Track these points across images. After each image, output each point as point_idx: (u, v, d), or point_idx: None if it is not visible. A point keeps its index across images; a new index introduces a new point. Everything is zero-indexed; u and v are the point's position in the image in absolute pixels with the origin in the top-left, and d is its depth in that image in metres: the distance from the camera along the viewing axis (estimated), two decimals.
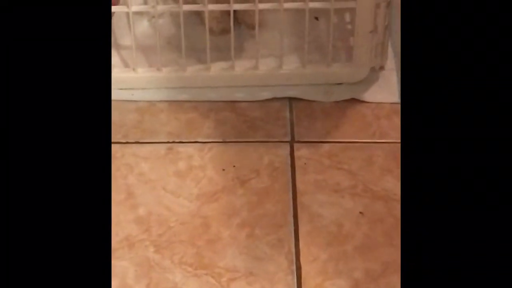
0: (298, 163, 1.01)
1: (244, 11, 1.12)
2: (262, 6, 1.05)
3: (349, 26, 1.18)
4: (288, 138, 1.04)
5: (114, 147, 1.03)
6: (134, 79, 1.10)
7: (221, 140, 1.04)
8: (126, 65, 1.12)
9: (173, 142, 1.04)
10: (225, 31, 1.12)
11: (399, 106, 1.08)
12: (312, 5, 1.04)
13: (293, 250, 0.91)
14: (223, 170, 1.00)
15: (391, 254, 0.90)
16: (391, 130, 1.05)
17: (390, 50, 1.13)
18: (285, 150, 1.02)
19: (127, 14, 1.09)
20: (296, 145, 1.03)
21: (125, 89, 1.10)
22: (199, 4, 1.08)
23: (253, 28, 1.10)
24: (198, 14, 1.15)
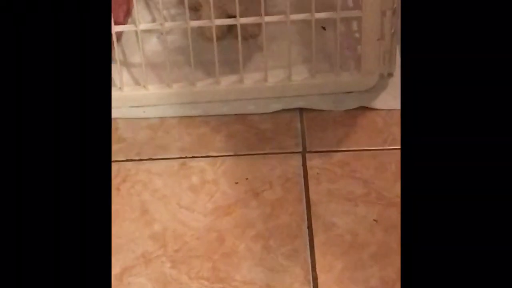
0: (310, 173, 1.01)
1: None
2: (268, 18, 1.05)
3: (356, 35, 1.18)
4: (300, 149, 1.05)
5: (128, 165, 1.04)
6: (145, 96, 1.11)
7: (233, 154, 1.04)
8: (136, 82, 1.14)
9: (186, 157, 1.04)
10: (222, 37, 1.12)
11: None
12: (318, 15, 1.05)
13: (309, 260, 0.91)
14: (236, 183, 1.00)
15: None
16: None
17: (398, 57, 1.13)
18: (297, 160, 1.03)
19: (136, 32, 1.10)
20: (308, 155, 1.04)
21: (137, 106, 1.11)
22: (203, 19, 1.10)
23: (253, 37, 1.11)
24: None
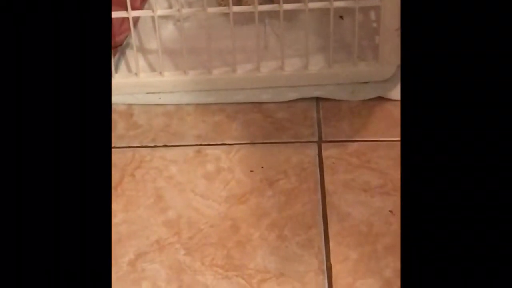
0: (326, 163, 1.00)
1: None
2: (286, 6, 1.05)
3: (374, 25, 1.17)
4: (316, 138, 1.04)
5: (142, 151, 1.03)
6: (161, 82, 1.10)
7: (248, 142, 1.04)
8: (152, 69, 1.13)
9: (201, 144, 1.04)
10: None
11: None
12: (336, 4, 1.04)
13: (323, 250, 0.91)
14: (251, 171, 1.00)
15: None
16: None
17: None
18: (313, 150, 1.02)
19: (153, 18, 1.09)
20: (324, 145, 1.03)
21: (153, 93, 1.11)
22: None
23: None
24: None
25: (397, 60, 1.09)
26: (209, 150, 1.03)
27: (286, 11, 1.05)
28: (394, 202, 0.95)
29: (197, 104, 1.10)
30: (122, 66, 1.14)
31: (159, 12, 1.06)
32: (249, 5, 1.07)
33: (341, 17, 1.18)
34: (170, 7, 1.22)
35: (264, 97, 1.10)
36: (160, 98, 1.10)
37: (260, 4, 1.05)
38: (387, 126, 1.05)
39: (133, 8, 1.05)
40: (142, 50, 1.16)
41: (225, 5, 1.10)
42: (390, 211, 0.94)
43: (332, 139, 1.04)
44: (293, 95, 1.09)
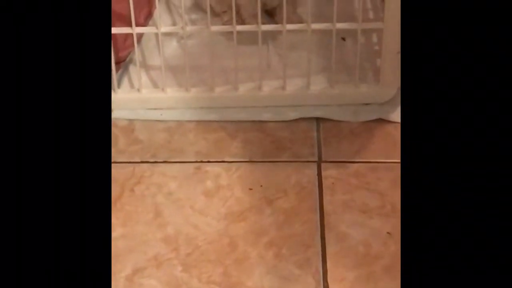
0: (325, 183, 1.01)
1: (280, 9, 1.13)
2: (290, 27, 1.06)
3: (376, 47, 1.18)
4: (316, 158, 1.04)
5: (143, 167, 1.04)
6: (163, 99, 1.11)
7: (248, 160, 1.04)
8: (155, 85, 1.14)
9: (201, 161, 1.04)
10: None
11: None
12: (339, 25, 1.05)
13: (321, 270, 0.91)
14: (251, 189, 1.00)
15: None
16: None
17: None
18: (312, 170, 1.03)
19: (156, 35, 1.10)
20: (323, 165, 1.03)
21: (154, 109, 1.11)
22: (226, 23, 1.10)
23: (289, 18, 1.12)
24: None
25: (398, 83, 1.09)
26: (209, 167, 1.03)
27: (289, 31, 1.06)
28: (392, 224, 0.95)
29: (198, 121, 1.10)
30: (125, 82, 1.15)
31: (163, 29, 1.07)
32: (252, 24, 1.08)
33: (343, 38, 1.19)
34: (174, 24, 1.23)
35: (265, 116, 1.10)
36: (161, 114, 1.11)
37: (263, 23, 1.06)
38: (387, 148, 1.06)
39: (137, 25, 1.06)
40: (145, 66, 1.17)
41: (229, 24, 1.11)
42: (388, 233, 0.94)
43: (332, 160, 1.04)
44: (294, 114, 1.10)
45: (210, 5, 1.05)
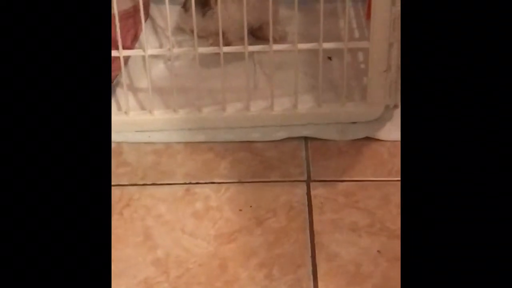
0: (314, 202, 1.01)
1: (266, 27, 1.14)
2: (276, 47, 1.06)
3: (362, 66, 1.19)
4: (304, 178, 1.05)
5: (131, 189, 1.03)
6: (150, 121, 1.11)
7: (237, 181, 1.04)
8: (142, 107, 1.14)
9: (190, 183, 1.04)
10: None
11: None
12: (325, 45, 1.06)
13: None
14: (240, 210, 1.00)
15: None
16: None
17: None
18: (301, 189, 1.03)
19: (143, 57, 1.10)
20: (312, 184, 1.03)
21: (142, 131, 1.11)
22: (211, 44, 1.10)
23: (282, 39, 1.13)
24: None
25: (385, 101, 1.10)
26: (198, 189, 1.03)
27: (275, 52, 1.06)
28: (382, 242, 0.95)
29: (186, 143, 1.10)
30: (112, 105, 1.14)
31: (150, 51, 1.07)
32: (239, 45, 1.08)
33: (329, 58, 1.19)
34: (161, 46, 1.24)
35: (253, 136, 1.10)
36: (149, 137, 1.11)
37: (250, 44, 1.06)
38: (374, 166, 1.06)
39: (124, 47, 1.06)
40: (132, 88, 1.17)
41: (215, 45, 1.11)
42: (378, 251, 0.95)
43: (321, 179, 1.04)
44: (282, 134, 1.10)
45: (193, 30, 1.06)
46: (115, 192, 1.03)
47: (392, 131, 1.10)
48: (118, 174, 1.06)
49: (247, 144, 1.10)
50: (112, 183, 1.04)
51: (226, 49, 1.07)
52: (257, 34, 1.23)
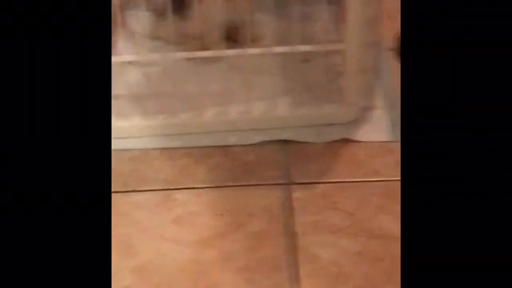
0: (294, 205, 1.01)
1: (242, 29, 1.13)
2: (252, 51, 1.06)
3: (338, 68, 1.19)
4: (283, 181, 1.05)
5: None
6: (127, 128, 1.10)
7: (216, 185, 1.04)
8: (118, 114, 1.13)
9: (169, 189, 1.04)
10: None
11: (391, 145, 1.09)
12: (301, 48, 1.06)
13: None
14: (220, 215, 1.00)
15: None
16: (384, 168, 1.06)
17: (379, 90, 1.14)
18: (281, 192, 1.03)
19: (119, 63, 1.10)
20: (291, 187, 1.03)
21: (119, 138, 1.10)
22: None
23: (256, 40, 1.12)
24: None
25: (361, 103, 1.11)
26: (177, 195, 1.03)
27: (251, 55, 1.06)
28: (362, 242, 0.96)
29: (164, 149, 1.10)
30: None
31: (126, 57, 1.06)
32: (215, 49, 1.08)
33: (306, 60, 1.19)
34: (136, 52, 1.23)
35: (231, 140, 1.10)
36: (126, 144, 1.10)
37: (226, 48, 1.06)
38: (352, 167, 1.06)
39: None
40: None
41: (191, 49, 1.11)
42: (359, 252, 0.95)
43: (300, 181, 1.04)
44: (260, 137, 1.10)
45: (168, 36, 1.06)
46: None
47: (369, 132, 1.11)
48: None
49: (225, 148, 1.09)
50: None
51: (202, 54, 1.07)
52: (233, 37, 1.23)
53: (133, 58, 1.11)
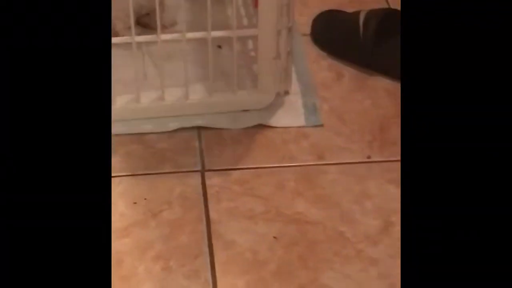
0: (210, 191, 1.00)
1: (153, 15, 1.12)
2: (164, 37, 1.05)
3: (252, 53, 1.19)
4: (199, 167, 1.04)
5: None
6: None
7: (130, 174, 1.03)
8: None
9: None
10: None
11: (305, 130, 1.10)
12: (214, 34, 1.05)
13: (210, 280, 0.90)
14: (134, 203, 0.99)
15: (308, 276, 0.91)
16: (299, 153, 1.07)
17: (293, 75, 1.15)
18: (196, 179, 1.02)
19: None
20: (207, 174, 1.03)
21: None
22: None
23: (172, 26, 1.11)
24: None
25: (276, 88, 1.11)
26: None
27: (164, 41, 1.05)
28: (277, 228, 0.96)
29: None
30: None
31: None
32: (126, 35, 1.06)
33: (219, 46, 1.19)
34: None
35: (145, 127, 1.09)
36: None
37: (138, 33, 1.04)
38: (268, 153, 1.07)
39: None
40: None
41: None
42: (274, 237, 0.95)
43: (215, 168, 1.04)
44: (174, 124, 1.09)
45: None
46: None
47: (283, 118, 1.11)
48: None
49: (139, 136, 1.08)
50: None
51: (114, 40, 1.04)
52: (144, 22, 1.21)
53: None
